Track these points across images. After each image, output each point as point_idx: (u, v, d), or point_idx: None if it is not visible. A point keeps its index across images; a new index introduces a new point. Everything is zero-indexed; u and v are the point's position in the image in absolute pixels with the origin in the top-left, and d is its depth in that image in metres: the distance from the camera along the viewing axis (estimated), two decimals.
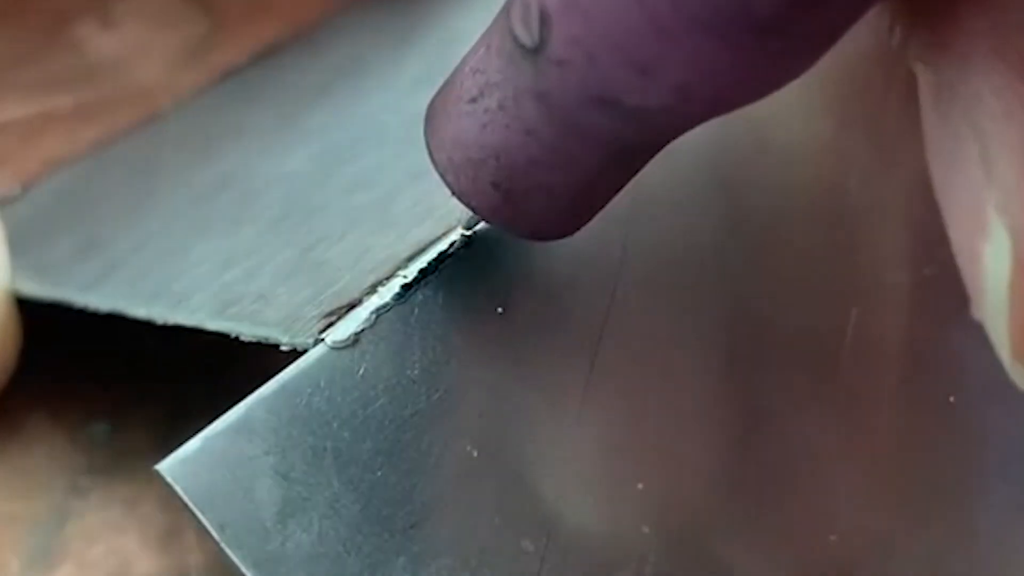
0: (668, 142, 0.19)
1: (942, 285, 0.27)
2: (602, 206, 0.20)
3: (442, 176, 0.20)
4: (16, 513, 0.27)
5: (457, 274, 0.22)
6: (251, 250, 0.25)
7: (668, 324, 0.24)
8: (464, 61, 0.20)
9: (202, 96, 0.36)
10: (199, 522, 0.19)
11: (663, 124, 0.18)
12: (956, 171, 0.18)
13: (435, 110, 0.20)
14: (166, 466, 0.19)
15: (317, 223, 0.26)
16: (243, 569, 0.19)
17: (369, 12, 0.37)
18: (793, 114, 0.26)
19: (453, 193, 0.20)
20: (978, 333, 0.27)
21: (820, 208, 0.26)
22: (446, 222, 0.22)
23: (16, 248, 0.29)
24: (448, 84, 0.20)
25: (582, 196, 0.20)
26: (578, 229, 0.21)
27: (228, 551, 0.19)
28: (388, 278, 0.21)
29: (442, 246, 0.22)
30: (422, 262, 0.22)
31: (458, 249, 0.22)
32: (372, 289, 0.21)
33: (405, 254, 0.22)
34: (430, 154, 0.20)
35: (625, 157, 0.19)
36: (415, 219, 0.23)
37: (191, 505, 0.19)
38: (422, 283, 0.21)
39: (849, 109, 0.27)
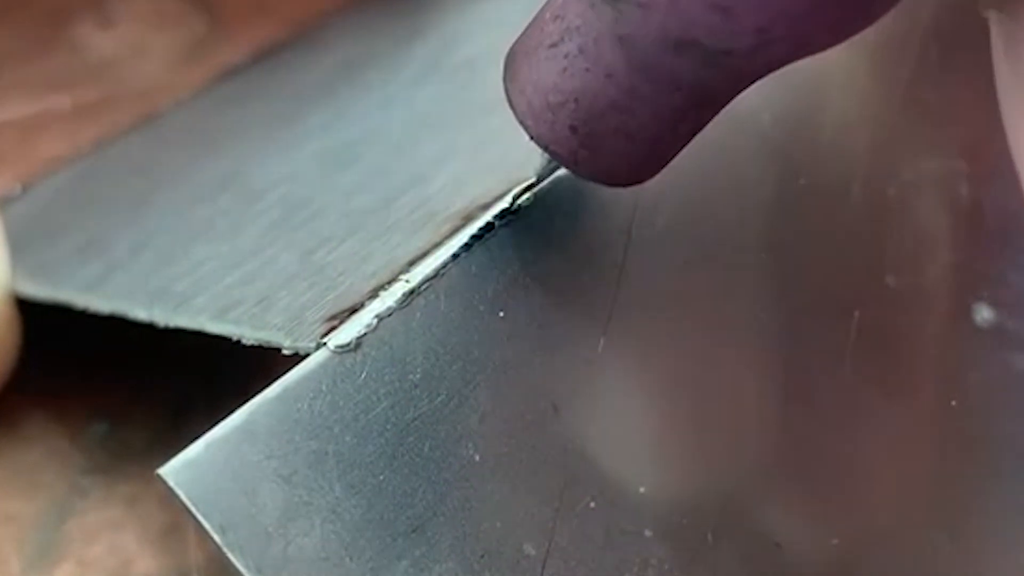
0: (746, 87, 0.19)
1: (944, 288, 0.27)
2: (679, 151, 0.20)
3: (521, 121, 0.20)
4: (17, 512, 0.27)
5: (458, 278, 0.22)
6: (252, 252, 0.25)
7: (669, 328, 0.24)
8: (544, 8, 0.20)
9: (202, 96, 0.36)
10: (200, 526, 0.19)
11: (743, 68, 0.18)
12: None
13: (514, 56, 0.20)
14: (168, 470, 0.19)
15: (318, 226, 0.26)
16: (245, 573, 0.19)
17: (369, 12, 0.37)
18: (794, 117, 0.26)
19: (531, 137, 0.20)
20: (979, 336, 0.27)
21: (821, 210, 0.26)
22: (447, 226, 0.22)
23: (16, 248, 0.29)
24: (528, 31, 0.20)
25: (660, 140, 0.20)
26: (655, 174, 0.21)
27: (230, 555, 0.19)
28: (390, 282, 0.21)
29: (444, 251, 0.22)
30: (424, 267, 0.22)
31: (460, 253, 0.22)
32: (374, 293, 0.21)
33: (406, 259, 0.22)
34: (509, 100, 0.20)
35: (704, 101, 0.19)
36: (416, 223, 0.23)
37: (193, 509, 0.19)
38: (424, 287, 0.21)
39: (850, 115, 0.27)
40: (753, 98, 0.20)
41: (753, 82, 0.19)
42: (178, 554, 0.27)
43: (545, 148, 0.20)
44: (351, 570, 0.20)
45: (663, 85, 0.19)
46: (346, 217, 0.26)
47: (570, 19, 0.19)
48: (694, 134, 0.20)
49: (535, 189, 0.23)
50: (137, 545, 0.27)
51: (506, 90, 0.20)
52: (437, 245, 0.22)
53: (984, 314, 0.27)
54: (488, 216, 0.22)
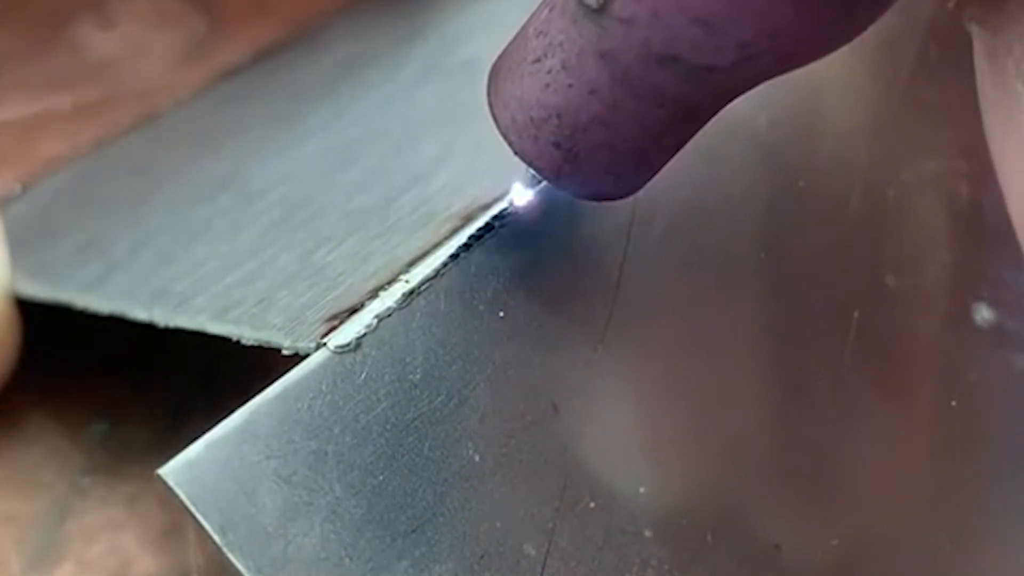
0: (729, 101, 0.19)
1: (943, 288, 0.27)
2: (662, 165, 0.20)
3: (504, 136, 0.20)
4: (17, 512, 0.27)
5: (458, 278, 0.22)
6: (252, 252, 0.25)
7: (668, 328, 0.24)
8: (527, 24, 0.20)
9: (202, 96, 0.36)
10: (200, 526, 0.19)
11: (725, 82, 0.18)
12: (1011, 129, 0.18)
13: (498, 72, 0.21)
14: (168, 470, 0.19)
15: (318, 226, 0.26)
16: (245, 573, 0.19)
17: (369, 12, 0.37)
18: (792, 119, 0.26)
19: (515, 153, 0.20)
20: (979, 336, 0.27)
21: (820, 211, 0.26)
22: (447, 226, 0.22)
23: (16, 248, 0.29)
24: (511, 46, 0.20)
25: (643, 155, 0.20)
26: (638, 189, 0.21)
27: (230, 555, 0.19)
28: (390, 283, 0.21)
29: (444, 251, 0.22)
30: (424, 267, 0.22)
31: (460, 253, 0.22)
32: (374, 293, 0.21)
33: (406, 259, 0.22)
34: (492, 115, 0.20)
35: (687, 116, 0.19)
36: (416, 223, 0.23)
37: (193, 509, 0.19)
38: (424, 287, 0.21)
39: (848, 116, 0.27)
40: (751, 101, 0.20)
41: (736, 97, 0.19)
42: (178, 554, 0.27)
43: (529, 163, 0.20)
44: (351, 570, 0.20)
45: (646, 100, 0.19)
46: (346, 217, 0.26)
47: (553, 35, 0.19)
48: (678, 148, 0.20)
49: (535, 189, 0.23)
50: (137, 545, 0.27)
51: (489, 105, 0.20)
52: (437, 245, 0.22)
53: (984, 314, 0.27)
54: (488, 216, 0.22)
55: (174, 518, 0.27)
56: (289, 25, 0.38)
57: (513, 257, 0.22)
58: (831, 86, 0.27)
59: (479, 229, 0.22)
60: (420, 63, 0.32)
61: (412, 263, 0.22)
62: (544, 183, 0.22)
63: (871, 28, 0.18)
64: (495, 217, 0.22)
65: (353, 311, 0.21)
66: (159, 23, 0.38)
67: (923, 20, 0.28)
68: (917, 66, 0.28)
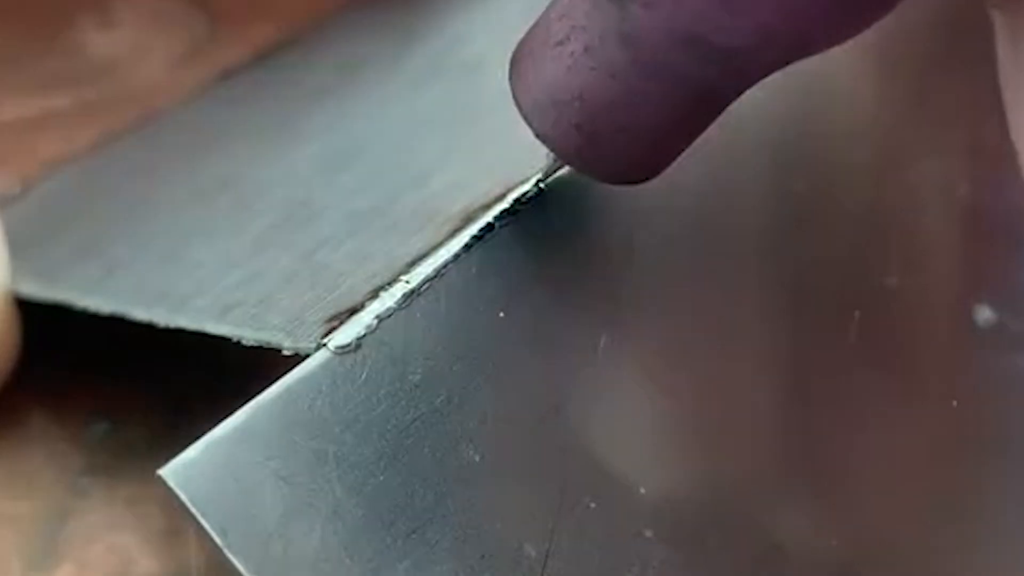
0: (749, 86, 0.19)
1: (944, 288, 0.27)
2: (683, 149, 0.21)
3: (526, 119, 0.21)
4: (17, 513, 0.27)
5: (458, 279, 0.22)
6: (253, 253, 0.25)
7: (669, 328, 0.24)
8: (550, 7, 0.20)
9: (202, 96, 0.36)
10: (201, 526, 0.19)
11: (746, 66, 0.18)
12: None
13: (520, 54, 0.21)
14: (168, 471, 0.19)
15: (318, 227, 0.26)
16: (245, 574, 0.19)
17: (368, 13, 0.37)
18: (794, 118, 0.26)
19: (536, 136, 0.21)
20: (980, 336, 0.27)
21: (820, 213, 0.26)
22: (447, 227, 0.22)
23: (16, 248, 0.29)
24: (534, 30, 0.21)
25: (664, 139, 0.20)
26: (658, 173, 0.21)
27: (230, 556, 0.19)
28: (390, 283, 0.21)
29: (444, 251, 0.22)
30: (424, 267, 0.22)
31: (460, 253, 0.22)
32: (374, 294, 0.21)
33: (406, 259, 0.22)
34: (514, 97, 0.21)
35: (708, 100, 0.19)
36: (416, 224, 0.23)
37: (193, 510, 0.19)
38: (424, 288, 0.21)
39: (850, 116, 0.27)
40: (754, 99, 0.20)
41: (757, 81, 0.19)
42: (178, 555, 0.27)
43: (550, 146, 0.21)
44: (351, 571, 0.20)
45: (667, 83, 0.19)
46: (346, 218, 0.26)
47: (576, 18, 0.19)
48: (698, 133, 0.20)
49: (535, 189, 0.23)
50: (137, 546, 0.27)
51: (511, 87, 0.21)
52: (437, 245, 0.22)
53: (985, 314, 0.27)
54: (488, 217, 0.22)
55: (174, 519, 0.27)
56: (289, 26, 0.38)
57: (513, 257, 0.22)
58: (833, 86, 0.27)
59: (479, 229, 0.22)
60: (420, 63, 0.32)
61: (412, 263, 0.22)
62: (563, 168, 0.22)
63: (874, 27, 0.18)
64: (495, 217, 0.22)
65: (353, 311, 0.21)
66: (159, 23, 0.38)
67: (925, 21, 0.28)
68: (918, 66, 0.28)
